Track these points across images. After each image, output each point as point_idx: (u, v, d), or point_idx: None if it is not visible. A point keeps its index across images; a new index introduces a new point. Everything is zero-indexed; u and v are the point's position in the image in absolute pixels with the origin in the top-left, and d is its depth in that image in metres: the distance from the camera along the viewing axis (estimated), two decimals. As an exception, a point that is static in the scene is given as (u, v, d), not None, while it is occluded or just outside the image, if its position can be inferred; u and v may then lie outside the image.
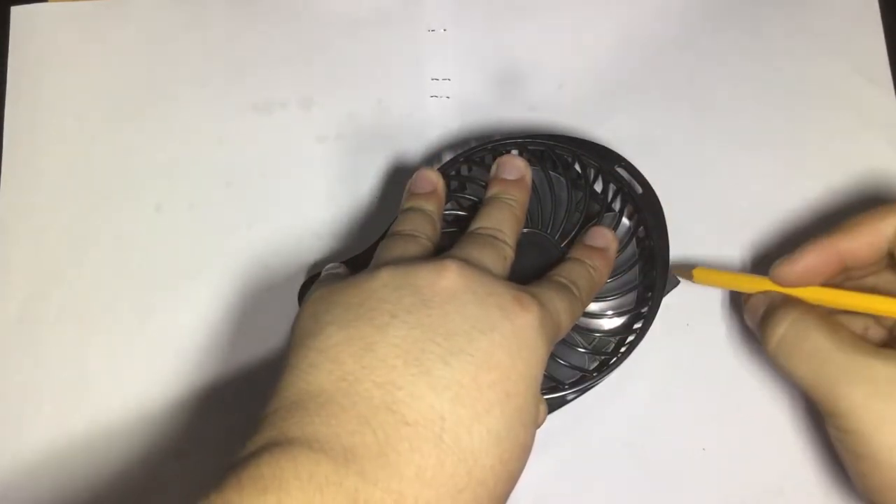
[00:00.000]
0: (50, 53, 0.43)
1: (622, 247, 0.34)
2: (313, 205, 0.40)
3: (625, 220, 0.36)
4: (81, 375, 0.38)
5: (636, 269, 0.35)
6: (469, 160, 0.35)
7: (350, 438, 0.22)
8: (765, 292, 0.32)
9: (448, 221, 0.34)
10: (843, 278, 0.32)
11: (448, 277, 0.26)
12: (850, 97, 0.40)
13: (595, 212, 0.35)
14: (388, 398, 0.23)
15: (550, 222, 0.35)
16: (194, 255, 0.39)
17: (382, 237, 0.32)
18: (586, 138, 0.36)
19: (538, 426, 0.28)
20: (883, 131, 0.40)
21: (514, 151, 0.35)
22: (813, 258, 0.31)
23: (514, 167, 0.33)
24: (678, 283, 0.36)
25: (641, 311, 0.34)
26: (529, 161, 0.34)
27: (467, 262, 0.27)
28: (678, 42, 0.42)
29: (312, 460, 0.22)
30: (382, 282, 0.26)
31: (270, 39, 0.43)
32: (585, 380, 0.33)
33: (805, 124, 0.40)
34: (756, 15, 0.42)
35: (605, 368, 0.33)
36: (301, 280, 0.35)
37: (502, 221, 0.31)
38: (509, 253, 0.30)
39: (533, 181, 0.33)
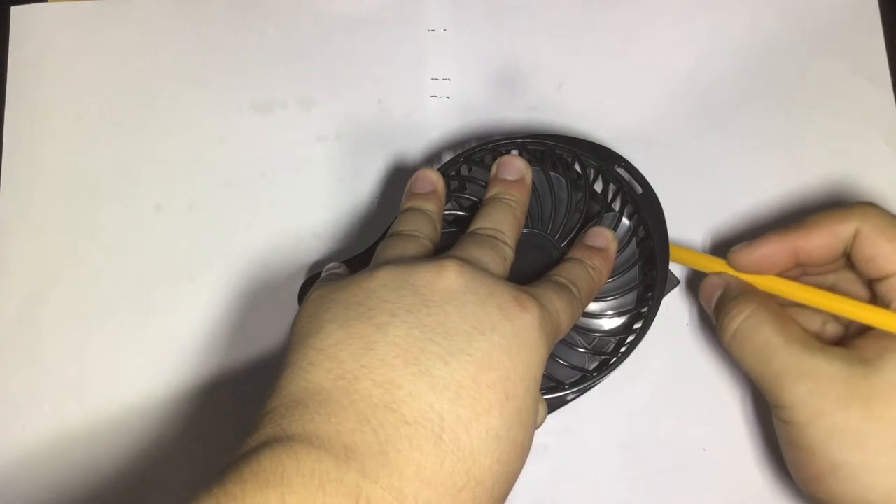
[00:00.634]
0: (50, 53, 0.43)
1: (622, 247, 0.34)
2: (313, 205, 0.40)
3: (625, 220, 0.36)
4: (81, 375, 0.38)
5: (636, 269, 0.35)
6: (469, 160, 0.35)
7: (350, 436, 0.22)
8: (719, 274, 0.34)
9: (448, 221, 0.34)
10: (800, 272, 0.33)
11: (448, 277, 0.26)
12: (849, 97, 0.40)
13: (595, 212, 0.35)
14: (388, 397, 0.23)
15: (550, 222, 0.35)
16: (194, 255, 0.39)
17: (382, 237, 0.32)
18: (586, 138, 0.36)
19: (538, 427, 0.28)
20: (882, 131, 0.40)
21: (514, 151, 0.35)
22: (769, 249, 0.32)
23: (515, 167, 0.33)
24: (678, 283, 0.36)
25: (641, 311, 0.34)
26: (529, 161, 0.34)
27: (467, 263, 0.27)
28: (678, 42, 0.42)
29: (314, 456, 0.22)
30: (382, 281, 0.26)
31: (270, 39, 0.43)
32: (585, 380, 0.33)
33: (805, 124, 0.40)
34: (756, 15, 0.42)
35: (605, 368, 0.33)
36: (301, 280, 0.35)
37: (502, 222, 0.31)
38: (509, 253, 0.30)
39: (533, 181, 0.33)
